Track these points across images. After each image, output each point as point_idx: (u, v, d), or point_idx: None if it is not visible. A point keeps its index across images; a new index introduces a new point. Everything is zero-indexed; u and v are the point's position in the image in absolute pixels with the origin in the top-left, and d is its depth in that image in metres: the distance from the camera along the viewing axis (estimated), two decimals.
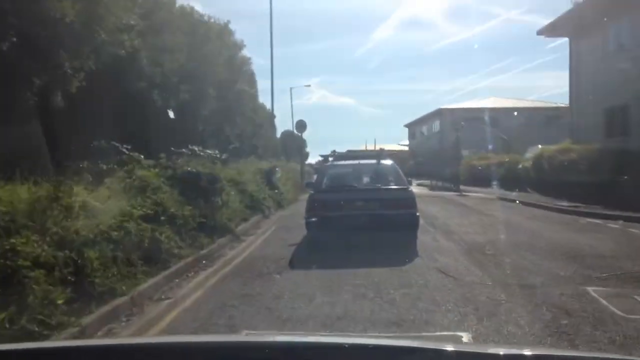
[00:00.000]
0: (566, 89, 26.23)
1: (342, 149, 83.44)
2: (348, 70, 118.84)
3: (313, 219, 9.76)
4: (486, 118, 47.13)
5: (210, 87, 30.91)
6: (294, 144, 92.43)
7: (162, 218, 8.38)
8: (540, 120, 51.34)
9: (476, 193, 24.20)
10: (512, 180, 25.26)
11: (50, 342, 3.74)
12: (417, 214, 9.86)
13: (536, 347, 4.29)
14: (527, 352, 1.64)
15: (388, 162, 11.45)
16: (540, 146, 32.10)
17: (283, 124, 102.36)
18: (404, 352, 1.63)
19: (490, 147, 34.54)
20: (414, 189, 32.41)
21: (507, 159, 28.65)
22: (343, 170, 11.61)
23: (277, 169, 19.84)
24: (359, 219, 9.41)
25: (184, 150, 10.93)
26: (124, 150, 10.10)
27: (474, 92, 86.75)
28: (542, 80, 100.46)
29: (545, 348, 4.13)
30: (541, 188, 21.49)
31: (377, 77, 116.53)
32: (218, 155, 12.15)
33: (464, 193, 24.48)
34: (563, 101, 54.49)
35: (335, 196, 9.98)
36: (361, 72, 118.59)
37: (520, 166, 24.92)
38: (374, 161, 11.41)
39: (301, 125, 27.62)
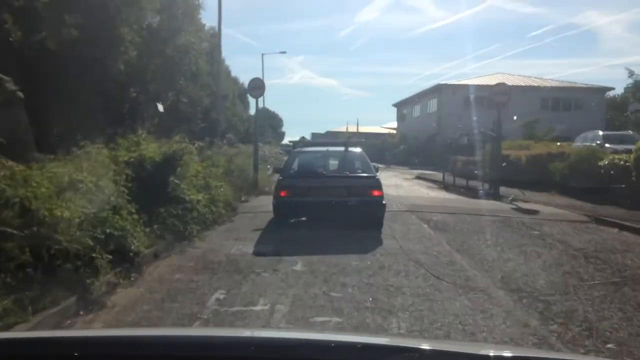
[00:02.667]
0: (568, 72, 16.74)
1: (322, 130, 73.63)
2: (331, 51, 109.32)
3: (279, 204, 9.74)
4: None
5: (127, 27, 20.33)
6: (269, 122, 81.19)
7: None
8: (557, 102, 41.64)
9: (534, 203, 14.31)
10: (585, 182, 15.42)
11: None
12: (384, 202, 9.70)
13: (524, 348, 3.78)
14: (516, 353, 1.55)
15: (357, 149, 11.28)
16: (601, 132, 22.32)
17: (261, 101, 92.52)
18: (388, 352, 1.51)
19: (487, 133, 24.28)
20: (413, 184, 22.46)
21: (564, 151, 18.82)
22: (311, 156, 11.33)
23: (189, 155, 9.55)
24: (326, 205, 9.32)
25: None
26: None
27: (462, 75, 77.88)
28: (532, 69, 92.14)
29: (531, 349, 3.57)
30: None
31: (361, 59, 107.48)
32: None
33: (513, 202, 14.59)
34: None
35: (303, 182, 9.90)
36: (344, 53, 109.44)
37: (604, 163, 14.99)
38: (342, 148, 11.11)
39: (256, 87, 17.16)
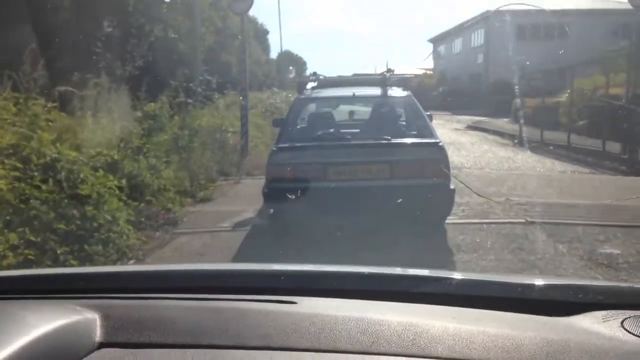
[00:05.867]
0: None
1: (349, 72, 66.37)
2: None
3: (272, 194, 5.38)
4: None
5: None
6: (292, 66, 72.93)
7: None
8: (628, 29, 33.33)
9: None
10: None
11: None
12: (452, 186, 5.34)
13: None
14: (564, 281, 1.39)
15: (401, 92, 6.31)
16: None
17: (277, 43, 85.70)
18: (424, 281, 1.40)
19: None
20: (474, 139, 15.87)
21: None
22: (327, 107, 7.15)
23: None
24: (355, 194, 5.19)
25: None
26: None
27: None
28: None
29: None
30: None
31: None
32: None
33: None
34: None
35: (313, 154, 5.43)
36: None
37: None
38: (377, 91, 6.30)
39: None
